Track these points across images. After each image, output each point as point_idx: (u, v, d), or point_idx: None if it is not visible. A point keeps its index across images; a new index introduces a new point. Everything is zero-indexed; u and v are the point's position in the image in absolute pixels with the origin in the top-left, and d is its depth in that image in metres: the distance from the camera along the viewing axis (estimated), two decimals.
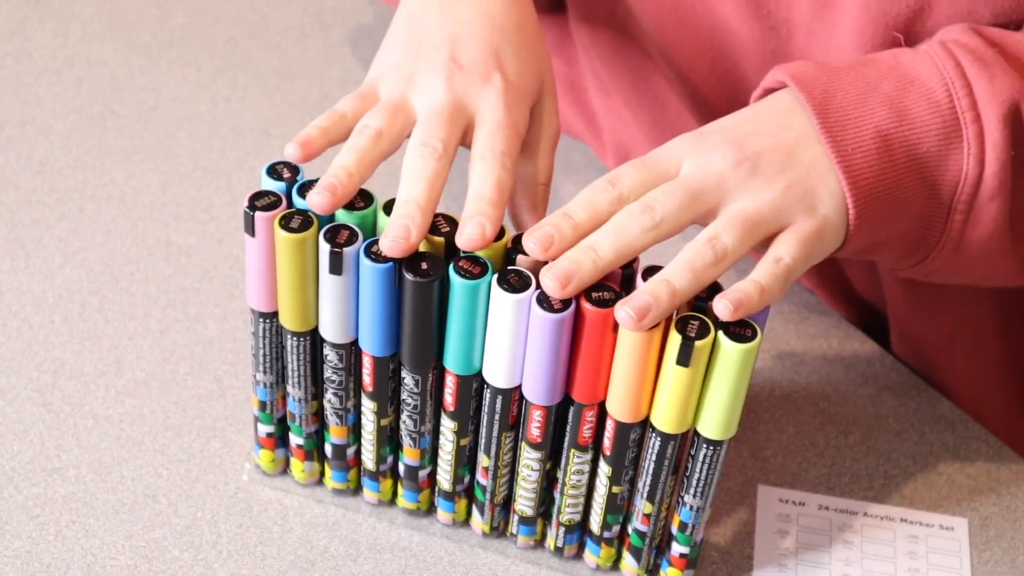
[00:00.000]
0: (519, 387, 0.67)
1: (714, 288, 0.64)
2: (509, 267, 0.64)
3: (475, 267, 0.63)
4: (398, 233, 0.63)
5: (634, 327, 0.61)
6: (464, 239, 0.63)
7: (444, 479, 0.73)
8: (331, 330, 0.68)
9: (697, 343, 0.61)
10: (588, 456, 0.69)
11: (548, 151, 0.72)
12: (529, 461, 0.70)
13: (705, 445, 0.67)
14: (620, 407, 0.66)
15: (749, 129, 0.65)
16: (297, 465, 0.76)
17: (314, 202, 0.63)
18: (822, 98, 0.65)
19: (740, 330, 0.62)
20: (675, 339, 0.62)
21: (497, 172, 0.66)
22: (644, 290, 0.61)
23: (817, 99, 0.65)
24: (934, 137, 0.65)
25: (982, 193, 0.66)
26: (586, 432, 0.68)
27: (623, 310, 0.60)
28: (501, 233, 0.65)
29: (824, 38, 0.74)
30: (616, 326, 0.62)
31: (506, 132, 0.67)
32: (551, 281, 0.61)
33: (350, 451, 0.74)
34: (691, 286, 0.62)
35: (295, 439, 0.75)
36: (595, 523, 0.72)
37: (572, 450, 0.69)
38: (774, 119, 0.65)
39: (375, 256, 0.64)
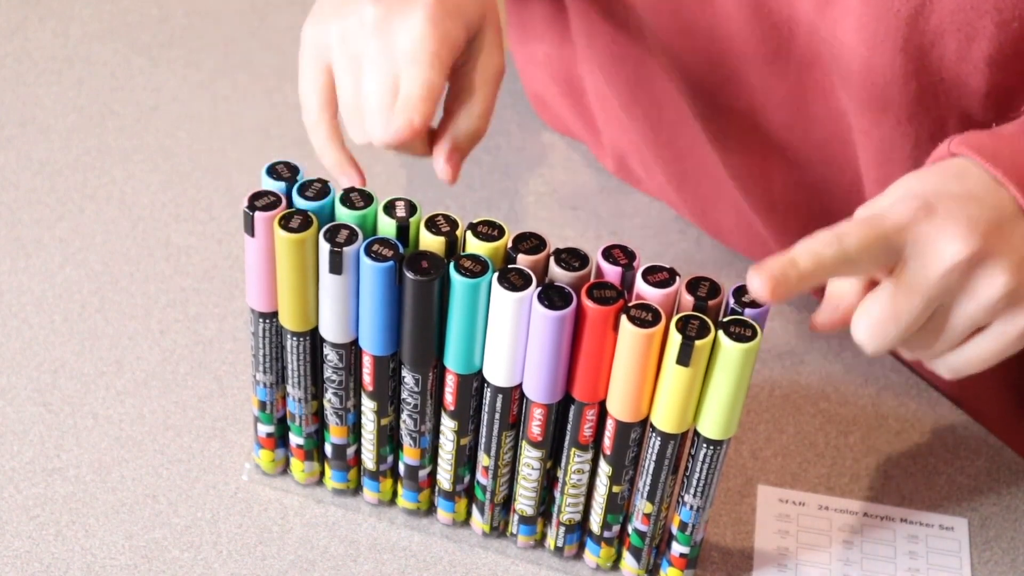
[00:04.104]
0: (520, 386, 0.67)
1: (715, 287, 0.64)
2: (510, 266, 0.64)
3: (476, 265, 0.63)
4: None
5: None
6: (392, 129, 0.63)
7: (444, 478, 0.73)
8: (331, 330, 0.68)
9: (697, 343, 0.61)
10: (588, 455, 0.69)
11: (487, 82, 0.71)
12: (530, 460, 0.70)
13: (705, 445, 0.67)
14: (620, 406, 0.66)
15: (976, 211, 0.62)
16: (297, 465, 0.76)
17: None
18: (1019, 173, 0.63)
19: (740, 330, 0.62)
20: (675, 339, 0.62)
21: (425, 72, 0.66)
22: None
23: (1016, 175, 0.63)
24: None
25: None
26: (587, 431, 0.68)
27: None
28: (501, 232, 0.65)
29: (828, 36, 0.74)
30: (617, 325, 0.63)
31: (434, 38, 0.67)
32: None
33: (350, 451, 0.74)
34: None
35: (295, 439, 0.75)
36: (595, 523, 0.72)
37: (573, 449, 0.69)
38: (985, 194, 0.62)
39: (375, 255, 0.64)
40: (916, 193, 0.63)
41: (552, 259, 0.64)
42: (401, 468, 0.74)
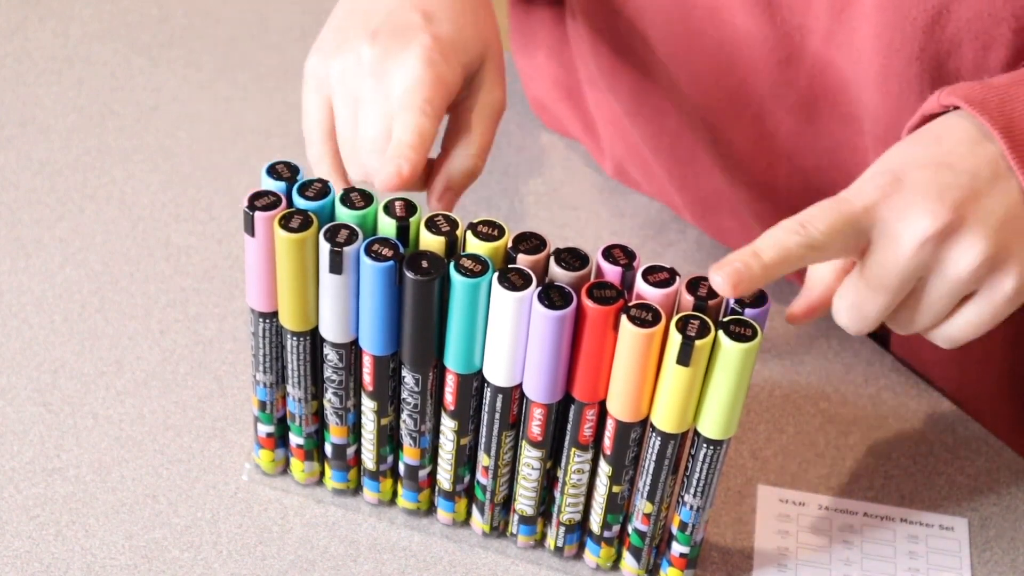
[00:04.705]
0: (520, 386, 0.67)
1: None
2: (510, 266, 0.64)
3: (476, 265, 0.63)
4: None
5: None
6: (382, 176, 0.64)
7: (444, 478, 0.73)
8: (331, 329, 0.68)
9: (697, 343, 0.61)
10: (588, 455, 0.69)
11: (485, 119, 0.71)
12: (529, 460, 0.70)
13: (705, 445, 0.67)
14: (620, 406, 0.66)
15: (949, 178, 0.61)
16: (297, 465, 0.76)
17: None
18: (1006, 121, 0.61)
19: (740, 330, 0.62)
20: (675, 338, 0.62)
21: (417, 119, 0.65)
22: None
23: (1002, 123, 0.61)
24: None
25: None
26: (587, 431, 0.68)
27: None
28: (501, 232, 0.65)
29: (844, 42, 0.73)
30: (617, 325, 0.63)
31: (427, 83, 0.67)
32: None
33: (350, 451, 0.74)
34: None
35: (295, 439, 0.75)
36: (595, 523, 0.72)
37: (573, 449, 0.69)
38: (964, 152, 0.61)
39: (375, 255, 0.64)
40: (887, 168, 0.62)
41: (552, 259, 0.64)
42: (401, 468, 0.74)
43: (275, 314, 0.69)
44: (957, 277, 0.61)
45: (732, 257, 0.59)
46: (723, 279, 0.59)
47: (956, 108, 0.64)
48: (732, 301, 0.63)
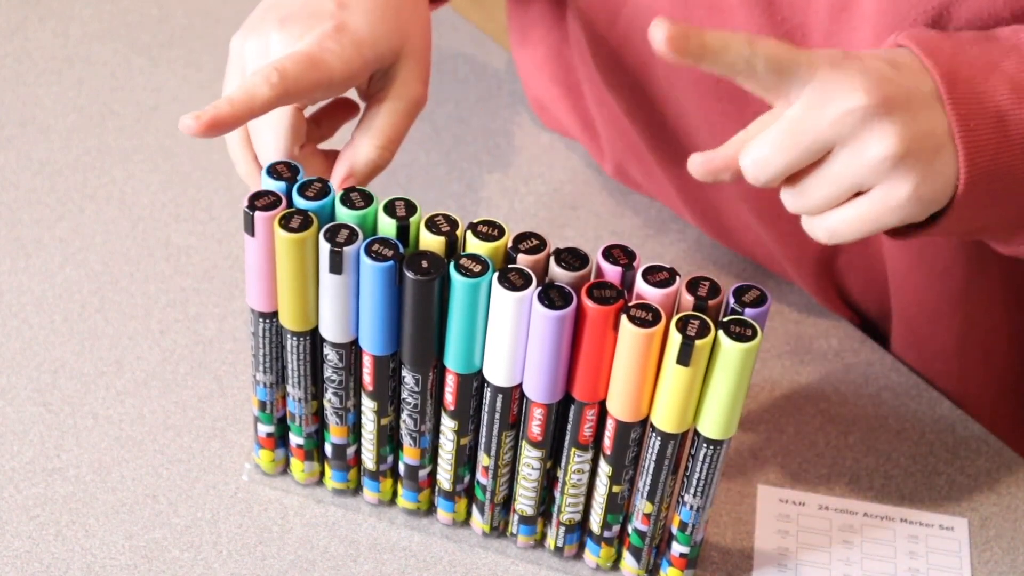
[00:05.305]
0: (520, 386, 0.67)
1: (715, 287, 0.64)
2: (510, 265, 0.64)
3: (476, 265, 0.63)
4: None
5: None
6: (188, 119, 0.65)
7: (444, 478, 0.73)
8: (331, 329, 0.68)
9: (697, 343, 0.61)
10: (588, 455, 0.69)
11: (396, 113, 0.71)
12: (530, 460, 0.70)
13: (705, 445, 0.67)
14: (620, 406, 0.66)
15: (892, 75, 0.62)
16: (297, 465, 0.76)
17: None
18: (948, 67, 0.63)
19: (740, 330, 0.62)
20: (675, 338, 0.62)
21: (252, 80, 0.66)
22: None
23: (944, 68, 0.63)
24: None
25: None
26: (587, 431, 0.68)
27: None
28: (501, 232, 0.65)
29: (844, 42, 0.73)
30: (617, 325, 0.63)
31: (292, 57, 0.67)
32: None
33: (350, 451, 0.74)
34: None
35: (295, 439, 0.75)
36: (595, 523, 0.72)
37: (573, 449, 0.69)
38: (909, 74, 0.63)
39: (375, 255, 0.64)
40: (842, 50, 0.63)
41: (552, 259, 0.64)
42: (401, 468, 0.74)
43: (275, 314, 0.69)
44: (865, 158, 0.61)
45: (682, 26, 0.60)
46: (662, 31, 0.60)
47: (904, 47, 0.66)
48: (732, 301, 0.63)
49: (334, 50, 0.68)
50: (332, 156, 0.72)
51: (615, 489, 0.70)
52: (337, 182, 0.70)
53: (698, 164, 0.64)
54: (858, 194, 0.63)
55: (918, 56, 0.64)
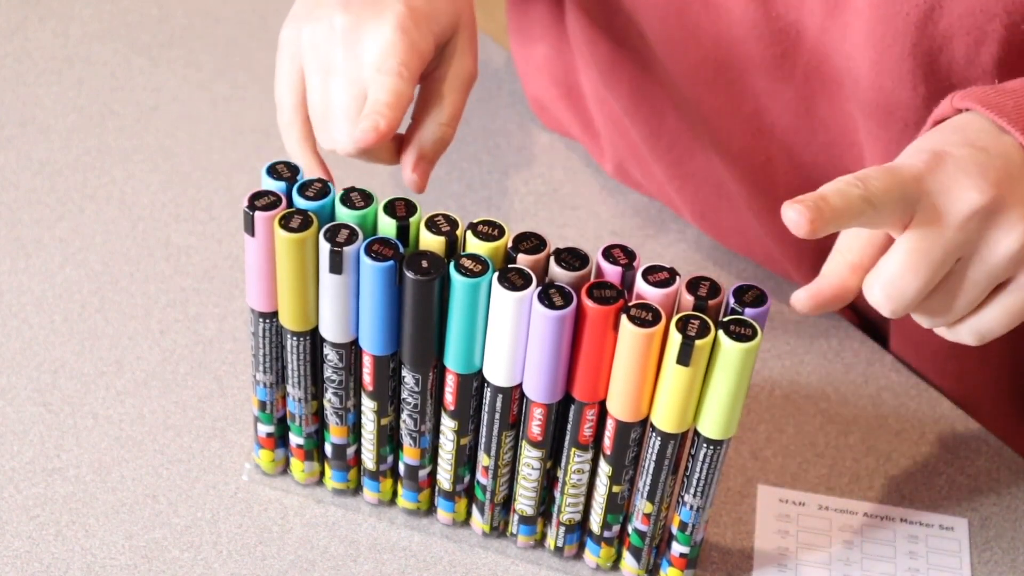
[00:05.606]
0: (520, 385, 0.67)
1: (715, 287, 0.64)
2: (510, 265, 0.64)
3: (476, 265, 0.63)
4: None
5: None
6: (358, 133, 0.64)
7: (444, 478, 0.73)
8: (331, 329, 0.68)
9: (697, 342, 0.61)
10: (588, 455, 0.69)
11: (456, 89, 0.71)
12: (529, 460, 0.70)
13: (705, 445, 0.67)
14: (620, 406, 0.66)
15: (986, 159, 0.61)
16: (297, 465, 0.76)
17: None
18: (1021, 120, 0.62)
19: (740, 330, 0.62)
20: (675, 338, 0.62)
21: (394, 81, 0.66)
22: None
23: (1019, 122, 0.62)
24: None
25: None
26: (587, 431, 0.68)
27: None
28: (501, 232, 0.65)
29: (838, 38, 0.74)
30: (617, 325, 0.63)
31: (402, 48, 0.67)
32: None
33: (350, 451, 0.74)
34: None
35: (295, 439, 0.75)
36: (595, 523, 0.72)
37: (573, 449, 0.69)
38: (994, 147, 0.61)
39: (375, 255, 0.64)
40: (924, 148, 0.62)
41: (552, 259, 0.64)
42: (401, 468, 0.74)
43: (275, 314, 0.69)
44: (999, 256, 0.60)
45: (802, 197, 0.58)
46: (798, 214, 0.57)
47: (968, 111, 0.64)
48: (732, 301, 0.63)
49: (415, 32, 0.68)
50: (397, 141, 0.72)
51: (615, 489, 0.70)
52: (411, 164, 0.70)
53: (804, 300, 0.64)
54: (996, 287, 0.62)
55: (991, 119, 0.62)
